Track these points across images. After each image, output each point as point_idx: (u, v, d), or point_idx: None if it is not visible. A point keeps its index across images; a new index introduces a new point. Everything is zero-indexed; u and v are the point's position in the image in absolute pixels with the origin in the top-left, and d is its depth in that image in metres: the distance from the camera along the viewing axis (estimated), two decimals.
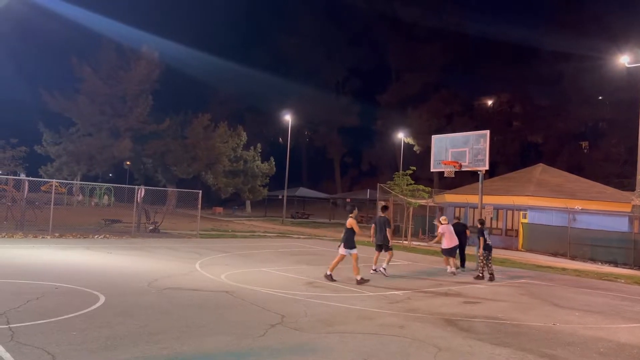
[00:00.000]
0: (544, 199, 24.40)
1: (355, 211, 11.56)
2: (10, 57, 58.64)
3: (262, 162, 47.30)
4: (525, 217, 24.49)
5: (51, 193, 19.49)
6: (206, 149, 40.84)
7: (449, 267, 13.51)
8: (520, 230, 24.43)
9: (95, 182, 38.67)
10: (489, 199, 23.18)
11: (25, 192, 19.93)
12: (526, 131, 59.03)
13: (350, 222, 11.07)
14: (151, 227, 20.97)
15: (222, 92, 60.59)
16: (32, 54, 61.83)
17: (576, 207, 23.06)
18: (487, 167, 15.29)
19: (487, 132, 15.42)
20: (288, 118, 43.44)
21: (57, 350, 5.27)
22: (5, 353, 5.10)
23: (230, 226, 29.49)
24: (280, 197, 45.14)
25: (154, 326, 6.53)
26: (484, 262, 12.74)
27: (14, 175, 28.54)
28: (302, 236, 25.43)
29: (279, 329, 6.76)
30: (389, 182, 24.77)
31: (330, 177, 71.32)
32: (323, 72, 66.87)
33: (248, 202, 51.75)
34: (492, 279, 12.65)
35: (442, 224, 13.70)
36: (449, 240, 13.41)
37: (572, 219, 22.55)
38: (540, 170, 28.60)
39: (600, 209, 23.57)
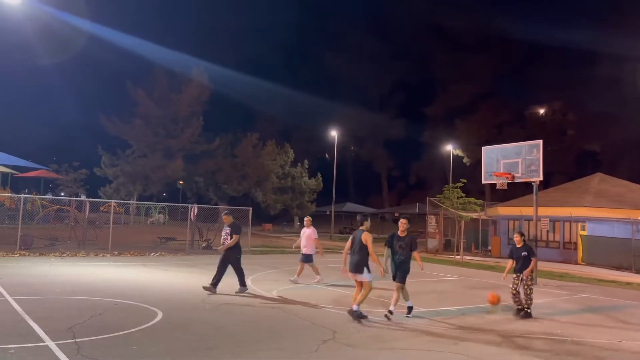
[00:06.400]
0: (603, 210, 23.27)
1: (368, 222, 8.73)
2: (72, 86, 62.32)
3: (309, 179, 47.67)
4: (584, 229, 23.44)
5: (110, 213, 20.38)
6: (255, 167, 41.64)
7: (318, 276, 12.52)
8: (579, 243, 23.38)
9: (150, 201, 40.08)
10: (544, 211, 22.37)
11: (87, 213, 20.97)
12: (582, 140, 56.70)
13: (365, 236, 8.45)
14: (204, 244, 21.49)
15: (269, 111, 61.84)
16: (91, 82, 65.62)
17: None
18: (541, 178, 14.77)
19: (540, 142, 14.94)
20: (334, 134, 43.68)
21: None
22: None
23: (280, 242, 29.77)
24: (328, 212, 45.24)
25: (209, 341, 6.69)
26: (530, 288, 9.43)
27: (76, 197, 30.05)
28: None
29: (331, 344, 6.77)
30: (438, 195, 24.36)
31: (378, 191, 70.93)
32: (368, 87, 67.13)
33: (296, 218, 52.16)
34: (521, 309, 9.39)
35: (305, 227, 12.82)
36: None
37: (636, 230, 21.38)
38: (598, 180, 27.37)
39: None
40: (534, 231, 16.10)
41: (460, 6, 64.03)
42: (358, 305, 8.34)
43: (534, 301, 11.33)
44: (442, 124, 58.87)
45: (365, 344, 6.86)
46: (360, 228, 8.61)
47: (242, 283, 10.56)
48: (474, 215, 23.78)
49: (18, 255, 16.05)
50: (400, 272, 8.70)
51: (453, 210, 23.23)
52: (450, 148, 49.95)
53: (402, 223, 8.86)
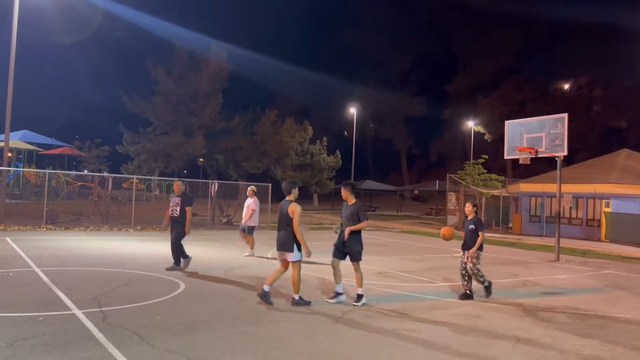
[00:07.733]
0: (629, 187, 22.76)
1: (296, 191, 7.36)
2: (94, 66, 62.96)
3: (328, 156, 47.55)
4: (608, 206, 23.01)
5: (132, 189, 20.66)
6: (274, 144, 41.66)
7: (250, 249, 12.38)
8: (603, 220, 22.98)
9: (171, 177, 40.53)
10: (568, 188, 21.96)
11: (109, 189, 21.31)
12: (608, 116, 55.24)
13: (293, 208, 7.12)
14: (225, 220, 21.76)
15: (288, 89, 61.47)
16: (113, 61, 66.16)
17: None
18: (565, 153, 14.44)
19: (565, 115, 14.58)
20: (353, 111, 43.38)
21: (144, 332, 5.61)
22: (99, 333, 5.50)
23: None
24: None
25: (231, 312, 6.79)
26: (477, 267, 8.32)
27: (99, 173, 30.54)
28: (369, 228, 25.33)
29: (351, 317, 6.80)
30: (459, 172, 24.11)
31: (397, 169, 70.53)
32: (388, 64, 66.11)
33: (315, 196, 52.25)
34: (469, 295, 8.26)
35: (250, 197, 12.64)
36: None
37: None
38: (624, 156, 26.69)
39: None
40: (556, 208, 15.84)
41: None
42: (297, 293, 7.17)
43: (557, 277, 11.22)
44: (463, 100, 57.87)
45: (385, 318, 6.88)
46: (287, 198, 7.21)
47: (177, 261, 9.93)
48: (495, 192, 23.52)
49: (44, 229, 16.45)
50: (352, 249, 7.53)
51: (474, 187, 22.99)
52: (471, 125, 49.26)
53: (342, 191, 7.66)
